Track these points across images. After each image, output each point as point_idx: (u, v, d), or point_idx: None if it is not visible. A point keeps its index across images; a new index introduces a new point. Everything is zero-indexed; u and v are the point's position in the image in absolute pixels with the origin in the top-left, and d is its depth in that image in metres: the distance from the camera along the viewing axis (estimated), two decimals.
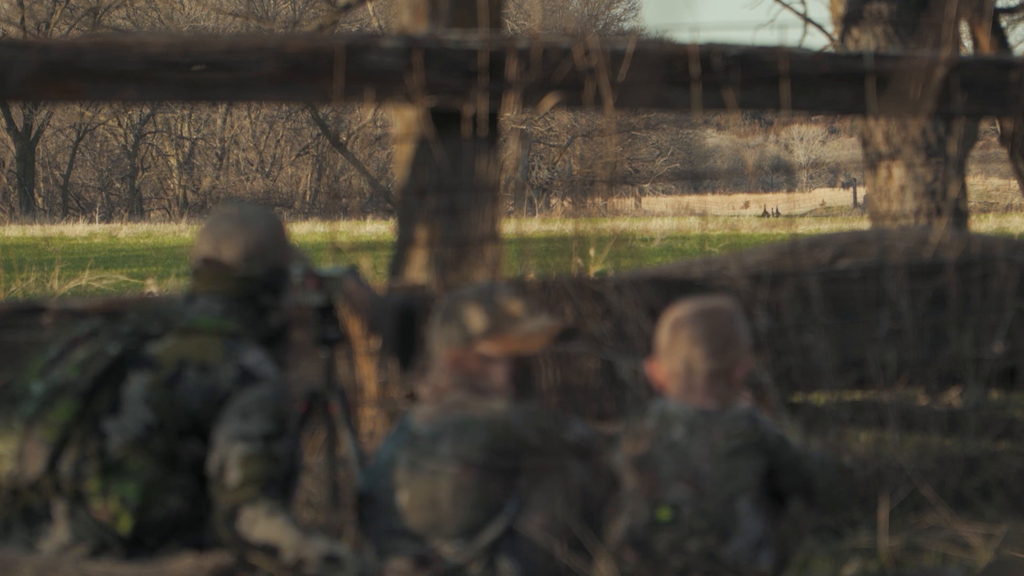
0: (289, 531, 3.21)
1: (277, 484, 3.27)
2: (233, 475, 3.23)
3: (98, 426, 3.25)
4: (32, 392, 3.31)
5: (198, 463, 3.28)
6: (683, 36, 5.76)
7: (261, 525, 3.21)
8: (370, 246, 4.53)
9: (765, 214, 41.16)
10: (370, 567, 3.27)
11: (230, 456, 3.23)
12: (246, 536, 3.21)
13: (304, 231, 26.27)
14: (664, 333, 3.52)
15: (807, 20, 17.19)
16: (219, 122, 49.30)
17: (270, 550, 3.21)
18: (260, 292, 3.47)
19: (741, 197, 52.10)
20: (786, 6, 19.44)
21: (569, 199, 5.60)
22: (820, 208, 48.01)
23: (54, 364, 3.34)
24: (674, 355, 3.49)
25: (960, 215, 7.31)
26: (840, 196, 53.03)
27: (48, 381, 3.31)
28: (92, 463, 3.23)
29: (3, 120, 44.85)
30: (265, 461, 3.25)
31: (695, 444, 3.42)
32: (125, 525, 3.21)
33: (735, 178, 53.58)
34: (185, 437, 3.27)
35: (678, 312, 3.51)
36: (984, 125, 15.10)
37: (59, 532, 3.23)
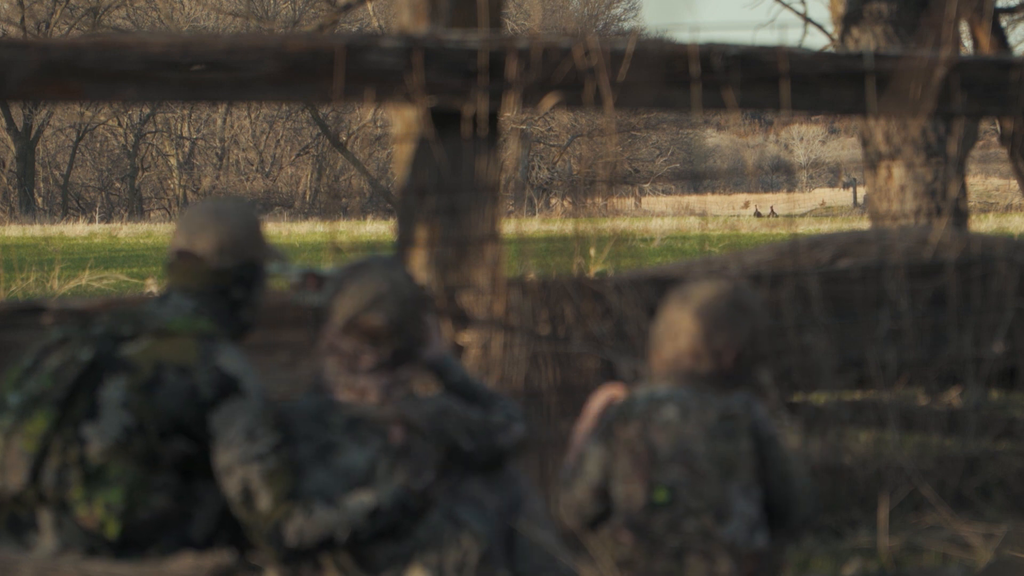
0: (330, 514, 3.25)
1: (299, 484, 3.29)
2: (264, 499, 3.24)
3: (77, 433, 3.23)
4: (8, 404, 3.29)
5: (180, 460, 3.28)
6: (683, 36, 5.75)
7: (308, 528, 3.24)
8: (370, 246, 4.53)
9: (757, 214, 41.09)
10: (400, 491, 3.29)
11: (252, 479, 3.25)
12: (298, 545, 3.24)
13: (304, 231, 26.27)
14: (666, 311, 3.55)
15: (807, 20, 17.20)
16: (219, 122, 49.31)
17: (326, 542, 3.25)
18: (232, 286, 3.47)
19: (741, 197, 52.11)
20: (786, 6, 19.45)
21: (569, 199, 5.59)
22: (820, 208, 48.01)
23: (29, 374, 3.32)
24: (670, 330, 3.52)
25: (960, 215, 7.32)
26: (840, 196, 53.04)
27: (24, 392, 3.29)
28: (74, 471, 3.22)
29: (3, 120, 44.86)
30: (285, 472, 3.27)
31: (688, 424, 3.43)
32: (112, 530, 3.21)
33: (735, 178, 53.57)
34: (167, 438, 3.26)
35: (686, 290, 3.54)
36: (984, 125, 15.10)
37: (46, 541, 3.21)
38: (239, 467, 3.25)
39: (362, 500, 3.27)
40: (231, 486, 3.26)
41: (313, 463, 3.34)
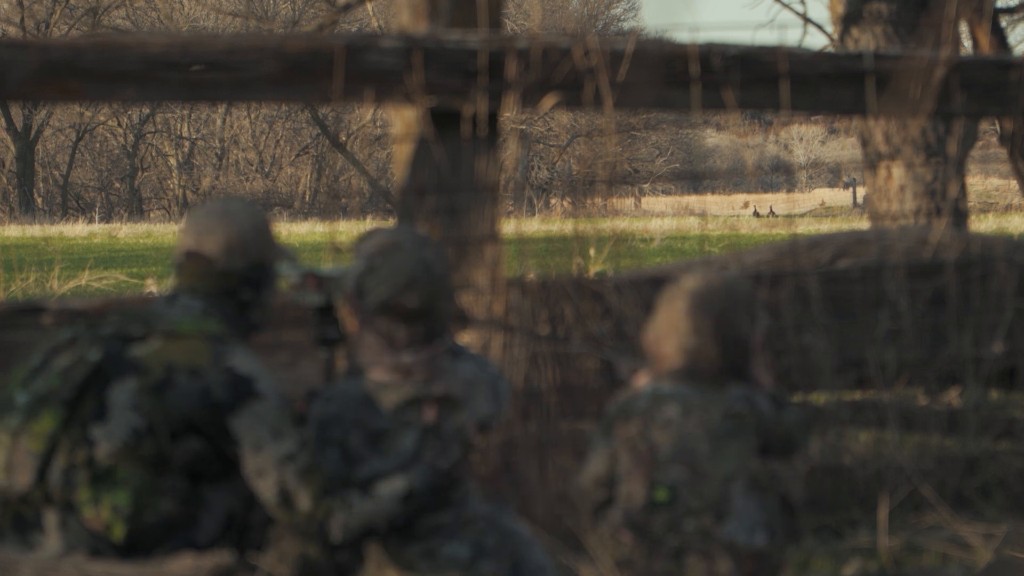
0: (368, 505, 3.26)
1: (331, 476, 3.30)
2: (303, 498, 3.24)
3: (85, 434, 3.21)
4: (16, 403, 3.27)
5: (191, 460, 3.26)
6: (683, 36, 5.75)
7: (351, 522, 3.25)
8: None
9: (756, 214, 41.03)
10: (429, 472, 3.31)
11: (288, 480, 3.24)
12: (344, 540, 3.26)
13: (304, 231, 26.26)
14: (665, 302, 3.55)
15: (807, 20, 17.21)
16: (219, 122, 49.32)
17: (368, 533, 3.27)
18: (241, 287, 3.46)
19: (741, 197, 52.09)
20: (786, 6, 19.47)
21: (569, 199, 5.59)
22: (820, 208, 48.01)
23: (37, 373, 3.30)
24: (671, 324, 3.52)
25: (960, 215, 7.32)
26: (840, 196, 53.03)
27: (31, 391, 3.27)
28: (81, 472, 3.20)
29: (3, 120, 44.86)
30: (317, 468, 3.26)
31: (690, 423, 3.44)
32: (118, 533, 3.19)
33: (735, 178, 53.56)
34: (178, 438, 3.24)
35: (684, 283, 3.54)
36: (984, 125, 15.10)
37: (51, 542, 3.20)
38: (273, 469, 3.24)
39: (394, 486, 3.28)
40: (266, 489, 3.24)
41: (366, 451, 3.34)
